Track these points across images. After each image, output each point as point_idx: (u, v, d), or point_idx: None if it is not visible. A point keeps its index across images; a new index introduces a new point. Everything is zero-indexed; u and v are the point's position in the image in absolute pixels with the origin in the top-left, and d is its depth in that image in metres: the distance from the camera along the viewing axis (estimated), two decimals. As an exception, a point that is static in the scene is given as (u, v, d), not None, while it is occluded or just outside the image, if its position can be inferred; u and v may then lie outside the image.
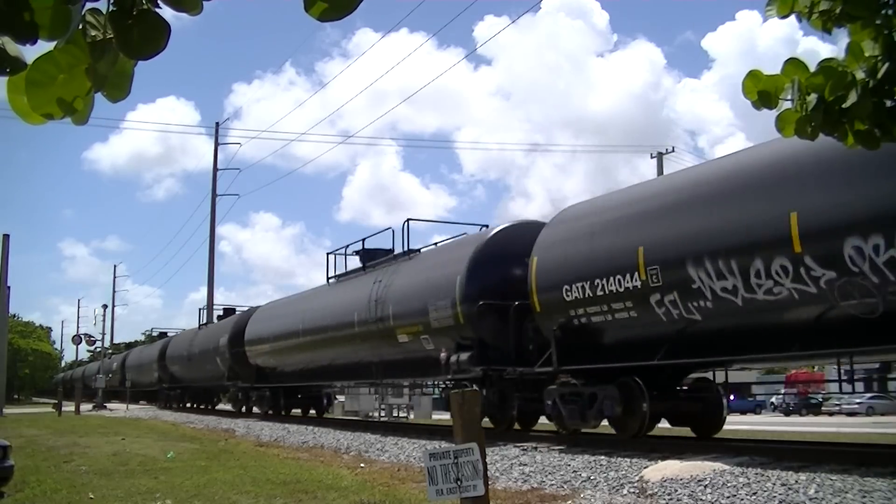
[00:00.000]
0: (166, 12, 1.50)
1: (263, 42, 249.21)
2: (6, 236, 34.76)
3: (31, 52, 1.52)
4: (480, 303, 13.63)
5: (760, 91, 2.78)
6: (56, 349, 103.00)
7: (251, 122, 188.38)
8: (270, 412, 25.68)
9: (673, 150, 40.14)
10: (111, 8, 1.50)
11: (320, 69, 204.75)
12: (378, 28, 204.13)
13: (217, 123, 47.19)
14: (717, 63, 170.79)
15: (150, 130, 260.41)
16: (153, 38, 1.49)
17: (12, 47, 1.47)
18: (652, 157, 40.06)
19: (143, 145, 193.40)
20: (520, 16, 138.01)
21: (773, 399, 42.58)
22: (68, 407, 37.61)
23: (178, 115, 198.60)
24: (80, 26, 1.52)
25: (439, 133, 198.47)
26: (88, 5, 1.51)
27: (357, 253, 20.11)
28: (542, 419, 14.37)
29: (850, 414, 37.14)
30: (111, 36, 1.49)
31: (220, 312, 36.41)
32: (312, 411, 26.48)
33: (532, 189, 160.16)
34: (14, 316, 77.41)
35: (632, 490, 8.56)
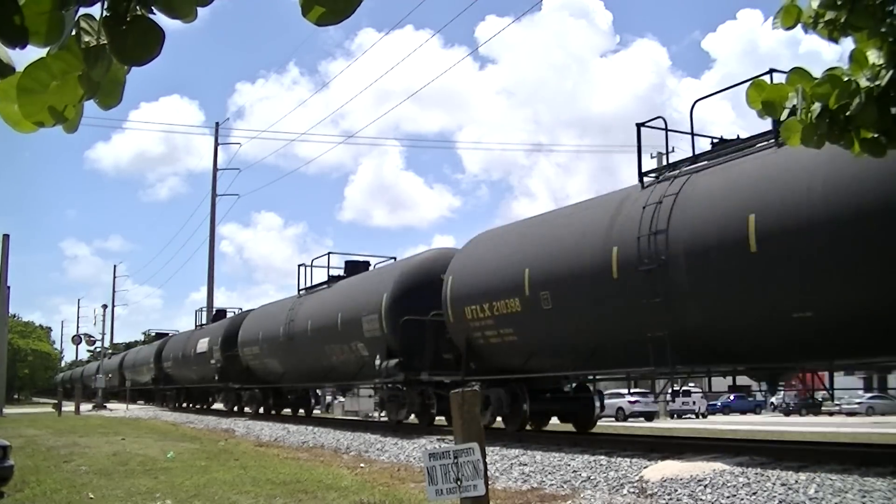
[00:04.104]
0: (164, 18, 1.49)
1: (267, 42, 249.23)
2: (6, 236, 34.79)
3: (21, 60, 1.51)
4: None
5: (765, 101, 2.77)
6: (56, 349, 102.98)
7: (254, 122, 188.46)
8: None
9: (673, 151, 40.07)
10: (105, 14, 1.49)
11: (323, 69, 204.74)
12: (381, 29, 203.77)
13: (217, 123, 47.24)
14: (717, 63, 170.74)
15: (153, 130, 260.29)
16: (147, 43, 1.49)
17: (2, 52, 1.47)
18: (652, 157, 39.96)
19: (146, 144, 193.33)
20: (521, 15, 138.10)
21: (773, 399, 42.53)
22: (68, 407, 37.62)
23: (182, 115, 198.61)
24: (74, 32, 1.51)
25: (443, 133, 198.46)
26: (82, 11, 1.51)
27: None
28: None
29: (850, 414, 37.10)
30: (105, 42, 1.49)
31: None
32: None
33: (535, 189, 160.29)
34: (14, 316, 77.46)
35: (632, 490, 8.55)
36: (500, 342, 13.27)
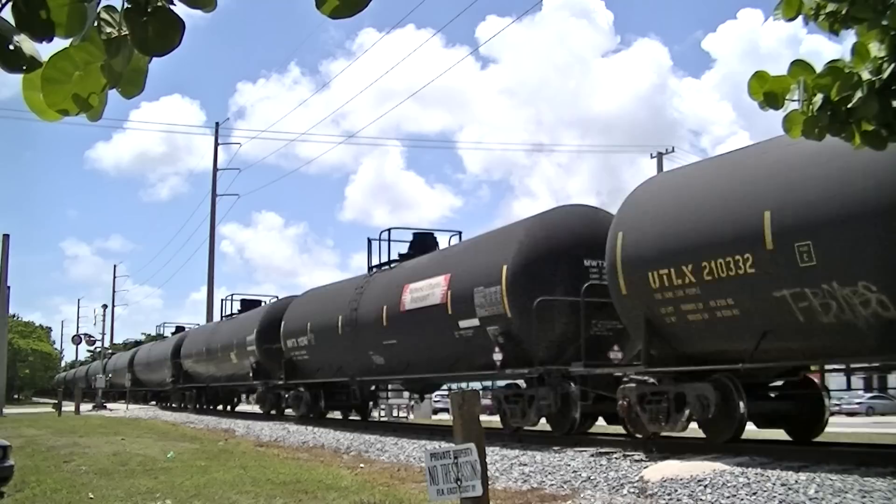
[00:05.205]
0: (180, 10, 1.51)
1: (268, 41, 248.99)
2: (6, 236, 34.87)
3: (45, 50, 1.53)
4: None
5: (766, 92, 2.78)
6: (56, 349, 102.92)
7: (255, 122, 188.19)
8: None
9: (673, 150, 40.21)
10: (126, 5, 1.52)
11: (324, 69, 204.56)
12: (382, 28, 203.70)
13: (217, 123, 47.41)
14: (718, 63, 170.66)
15: (154, 130, 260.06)
16: (168, 34, 1.51)
17: (28, 45, 1.49)
18: (652, 157, 40.12)
19: (147, 144, 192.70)
20: (522, 15, 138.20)
21: None
22: (68, 407, 37.62)
23: (183, 114, 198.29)
24: (96, 23, 1.53)
25: (444, 133, 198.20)
26: (103, 2, 1.54)
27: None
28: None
29: (850, 414, 37.08)
30: (126, 33, 1.51)
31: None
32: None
33: (536, 189, 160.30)
34: (14, 316, 77.37)
35: (632, 490, 8.56)
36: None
